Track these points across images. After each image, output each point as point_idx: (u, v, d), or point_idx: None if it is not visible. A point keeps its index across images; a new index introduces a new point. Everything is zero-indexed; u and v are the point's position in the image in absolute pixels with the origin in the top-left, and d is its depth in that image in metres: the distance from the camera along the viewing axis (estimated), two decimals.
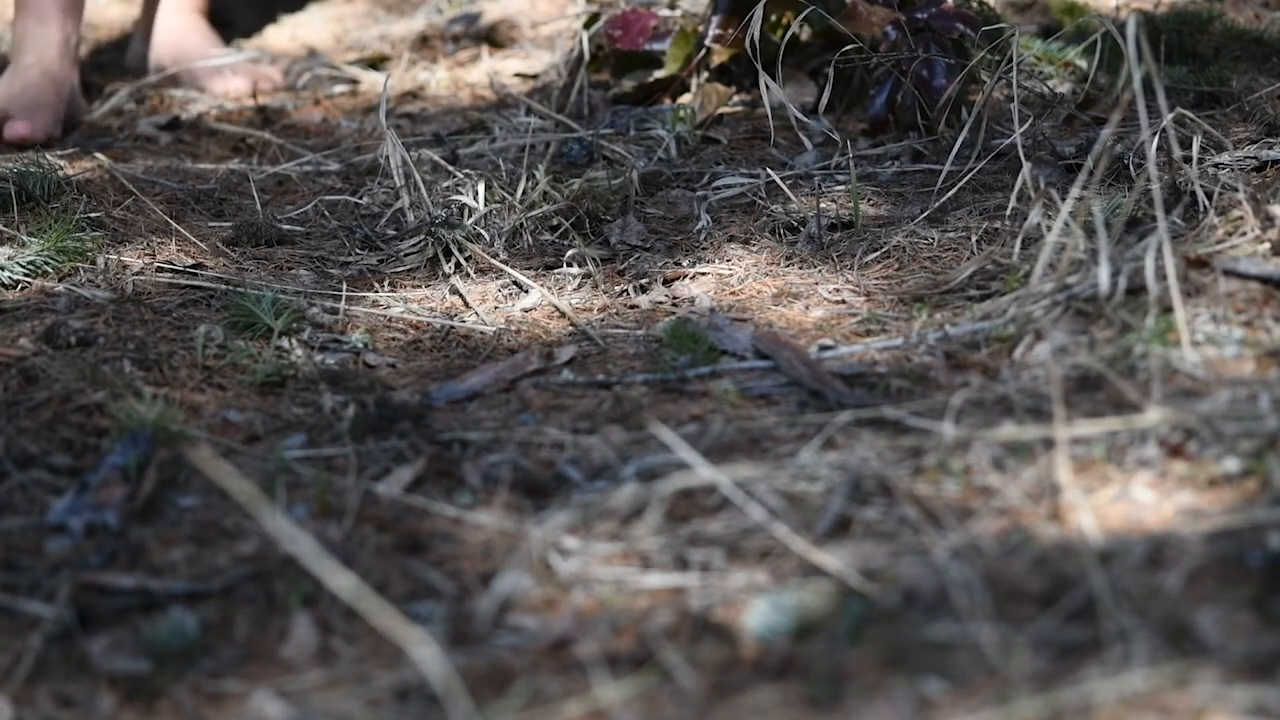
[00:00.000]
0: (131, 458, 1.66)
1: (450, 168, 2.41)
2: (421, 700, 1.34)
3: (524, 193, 2.30)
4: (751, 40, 2.44)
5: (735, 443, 1.69)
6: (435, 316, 2.08)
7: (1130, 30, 1.74)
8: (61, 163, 2.43)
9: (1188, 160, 2.10)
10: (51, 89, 2.74)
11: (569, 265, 2.19)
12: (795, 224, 2.24)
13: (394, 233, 2.29)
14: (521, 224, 2.26)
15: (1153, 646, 1.28)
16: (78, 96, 2.82)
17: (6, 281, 2.07)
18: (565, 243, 2.24)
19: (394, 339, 2.02)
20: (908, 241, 2.17)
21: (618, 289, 2.13)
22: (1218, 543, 1.40)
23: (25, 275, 2.08)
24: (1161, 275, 1.77)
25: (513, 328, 2.05)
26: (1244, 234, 1.90)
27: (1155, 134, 1.94)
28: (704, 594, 1.44)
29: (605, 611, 1.43)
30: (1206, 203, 2.01)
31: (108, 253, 2.16)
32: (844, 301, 2.05)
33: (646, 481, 1.60)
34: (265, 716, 1.34)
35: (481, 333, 2.04)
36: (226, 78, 3.01)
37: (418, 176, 2.33)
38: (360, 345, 1.99)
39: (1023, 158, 2.19)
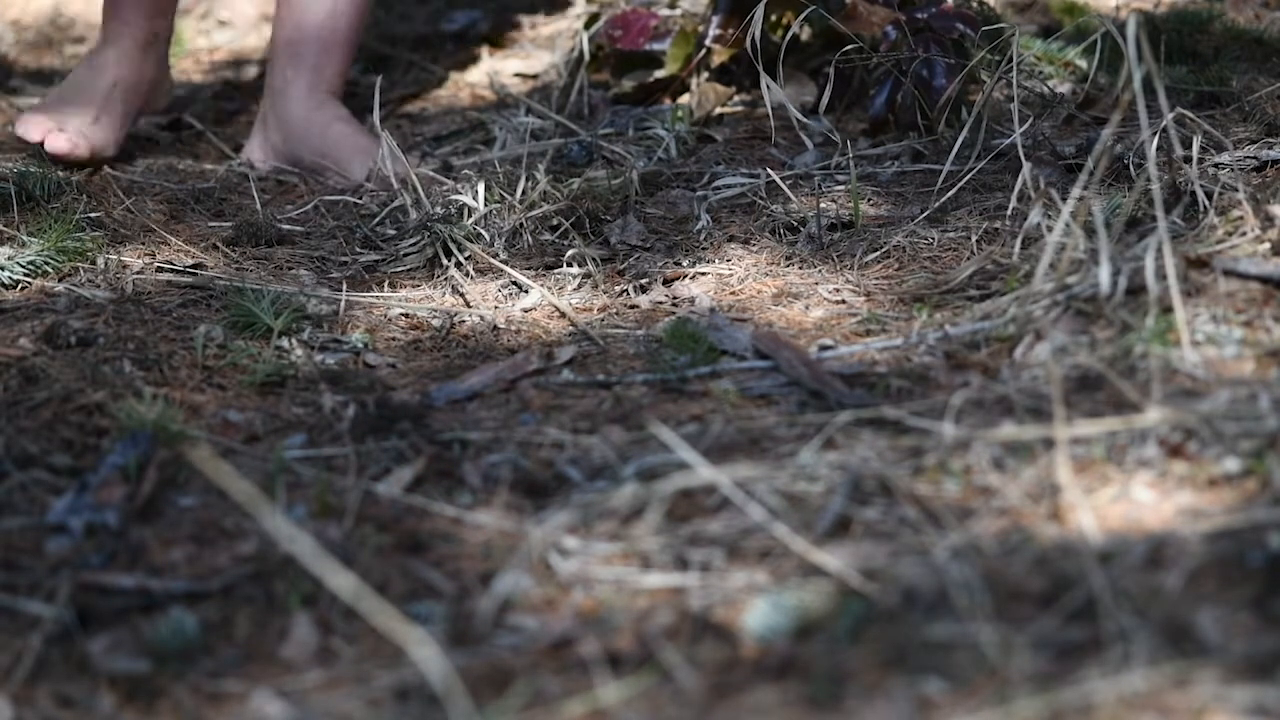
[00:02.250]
0: (131, 458, 1.66)
1: (443, 178, 2.41)
2: (421, 700, 1.34)
3: (524, 192, 2.30)
4: (753, 40, 2.44)
5: (735, 443, 1.69)
6: (435, 316, 2.08)
7: (1130, 30, 1.74)
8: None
9: (1188, 160, 2.10)
10: (119, 103, 2.54)
11: (569, 265, 2.19)
12: (795, 224, 2.24)
13: (394, 232, 2.29)
14: (521, 224, 2.26)
15: (1153, 646, 1.28)
16: (164, 81, 2.65)
17: (6, 281, 2.07)
18: (565, 243, 2.24)
19: (394, 339, 2.02)
20: (908, 241, 2.17)
21: (618, 289, 2.13)
22: (1218, 543, 1.40)
23: (25, 275, 2.08)
24: (1161, 275, 1.77)
25: (513, 328, 2.05)
26: (1244, 234, 1.90)
27: (1155, 134, 1.94)
28: (704, 594, 1.44)
29: (605, 611, 1.43)
30: (1206, 203, 2.01)
31: (108, 253, 2.16)
32: (844, 301, 2.05)
33: (646, 481, 1.60)
34: (265, 716, 1.34)
35: (481, 333, 2.04)
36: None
37: (414, 177, 2.33)
38: (360, 345, 1.99)
39: (1023, 158, 2.19)
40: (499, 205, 2.28)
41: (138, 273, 2.12)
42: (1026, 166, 2.15)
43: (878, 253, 2.15)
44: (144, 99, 2.60)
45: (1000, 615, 1.34)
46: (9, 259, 2.09)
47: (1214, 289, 1.80)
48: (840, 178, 2.37)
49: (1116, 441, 1.57)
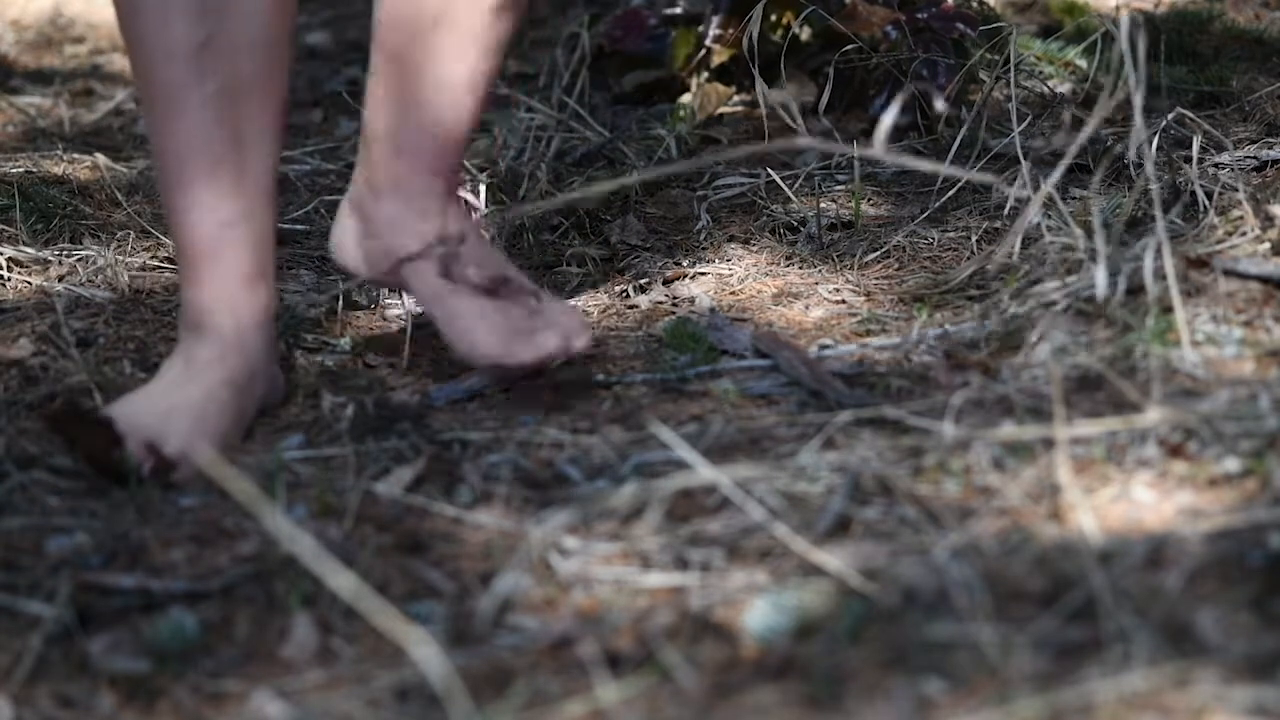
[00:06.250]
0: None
1: None
2: (421, 700, 1.34)
3: (524, 193, 2.31)
4: (750, 41, 2.44)
5: (735, 443, 1.69)
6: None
7: (1123, 29, 1.74)
8: (62, 162, 2.43)
9: (1188, 160, 2.10)
10: (234, 402, 1.77)
11: (569, 265, 2.19)
12: (795, 224, 2.24)
13: None
14: (522, 224, 2.26)
15: (1153, 646, 1.28)
16: (275, 378, 1.86)
17: (5, 281, 2.07)
18: (565, 243, 2.24)
19: (394, 338, 2.02)
20: (908, 241, 2.17)
21: (618, 289, 2.13)
22: (1218, 543, 1.40)
23: (24, 275, 2.08)
24: (1161, 275, 1.77)
25: None
26: (1244, 234, 1.90)
27: (1155, 134, 1.94)
28: (704, 594, 1.44)
29: (605, 611, 1.43)
30: (1206, 203, 2.01)
31: (108, 253, 2.16)
32: (844, 301, 2.05)
33: (646, 481, 1.60)
34: (265, 716, 1.34)
35: None
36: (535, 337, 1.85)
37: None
38: (359, 345, 1.99)
39: (1022, 158, 2.19)
40: (499, 205, 2.28)
41: (138, 273, 2.12)
42: (1026, 166, 2.15)
43: (878, 253, 2.15)
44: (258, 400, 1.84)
45: (1000, 615, 1.34)
46: (8, 259, 2.09)
47: (1214, 289, 1.80)
48: (840, 178, 2.37)
49: (1116, 441, 1.57)
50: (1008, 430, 1.61)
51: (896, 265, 2.13)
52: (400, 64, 1.84)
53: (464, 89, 1.84)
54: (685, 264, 2.17)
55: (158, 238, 2.23)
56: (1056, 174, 1.82)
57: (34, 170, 2.36)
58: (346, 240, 1.91)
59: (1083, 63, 2.67)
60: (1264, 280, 1.80)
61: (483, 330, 1.84)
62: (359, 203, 1.91)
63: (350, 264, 1.92)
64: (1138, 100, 1.77)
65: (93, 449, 1.65)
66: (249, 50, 1.75)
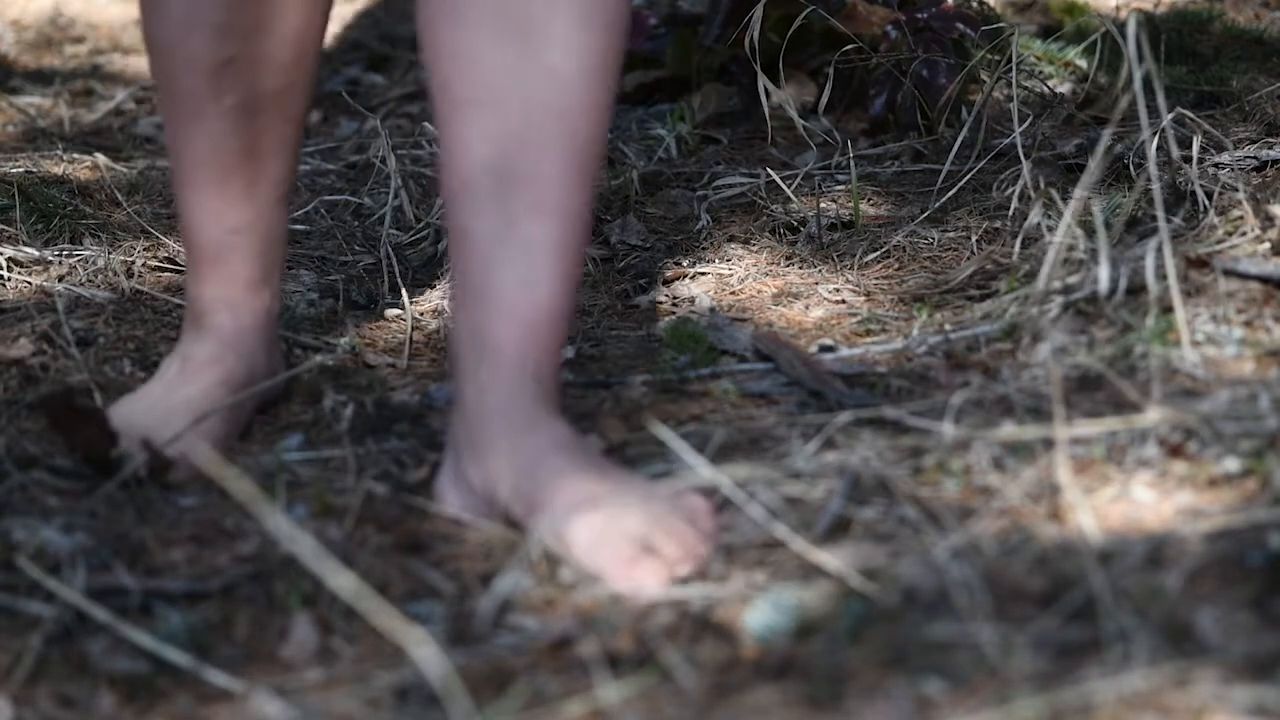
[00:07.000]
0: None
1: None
2: (421, 700, 1.34)
3: None
4: (750, 41, 2.45)
5: (735, 443, 1.69)
6: (435, 316, 2.08)
7: (1130, 29, 1.74)
8: (62, 162, 2.43)
9: (1188, 160, 2.10)
10: (231, 402, 1.75)
11: None
12: (795, 224, 2.24)
13: (395, 232, 2.29)
14: None
15: (1153, 646, 1.28)
16: (277, 366, 1.83)
17: (5, 281, 2.07)
18: None
19: (393, 338, 2.02)
20: (908, 241, 2.17)
21: (618, 289, 2.13)
22: (1218, 543, 1.40)
23: (24, 275, 2.08)
24: (1161, 275, 1.77)
25: None
26: (1244, 234, 1.90)
27: (1155, 134, 1.94)
28: (704, 594, 1.44)
29: (605, 611, 1.43)
30: (1206, 203, 2.01)
31: (108, 253, 2.16)
32: (844, 301, 2.05)
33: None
34: (265, 716, 1.34)
35: None
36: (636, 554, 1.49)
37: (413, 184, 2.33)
38: (359, 345, 1.99)
39: (1022, 157, 2.19)
40: None
41: (138, 273, 2.12)
42: (1026, 166, 2.15)
43: (878, 253, 2.15)
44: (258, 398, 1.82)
45: (1000, 615, 1.34)
46: (8, 259, 2.09)
47: (1214, 289, 1.80)
48: (840, 178, 2.37)
49: (1116, 441, 1.57)
50: (1008, 430, 1.61)
51: (896, 265, 2.13)
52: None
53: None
54: (685, 264, 2.17)
55: (158, 238, 2.23)
56: (1081, 179, 1.82)
57: (34, 170, 2.36)
58: (448, 489, 1.62)
59: (1083, 63, 2.67)
60: (1264, 280, 1.80)
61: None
62: (454, 441, 1.62)
63: (452, 505, 1.62)
64: (1154, 99, 1.77)
65: (87, 443, 1.65)
66: (273, 68, 1.71)
